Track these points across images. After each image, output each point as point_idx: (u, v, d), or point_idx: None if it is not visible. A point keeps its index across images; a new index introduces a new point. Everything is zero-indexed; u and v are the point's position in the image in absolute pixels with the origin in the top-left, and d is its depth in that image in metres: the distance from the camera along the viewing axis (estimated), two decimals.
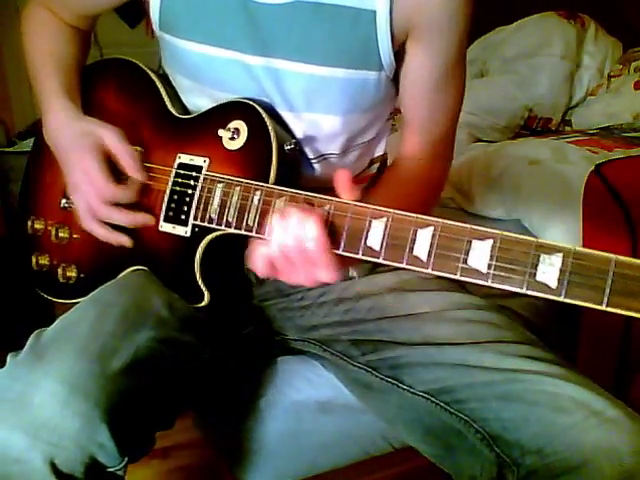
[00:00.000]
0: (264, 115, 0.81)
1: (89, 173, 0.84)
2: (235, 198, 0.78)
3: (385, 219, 0.67)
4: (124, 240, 0.87)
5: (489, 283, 0.62)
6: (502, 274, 0.62)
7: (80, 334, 0.75)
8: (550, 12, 2.20)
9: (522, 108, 2.01)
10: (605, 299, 0.56)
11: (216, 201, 0.80)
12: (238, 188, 0.78)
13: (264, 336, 0.99)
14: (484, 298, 0.89)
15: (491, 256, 0.62)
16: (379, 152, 1.00)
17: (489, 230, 0.63)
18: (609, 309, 0.56)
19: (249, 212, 0.76)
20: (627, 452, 0.66)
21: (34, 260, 0.97)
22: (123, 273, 0.88)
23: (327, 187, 0.71)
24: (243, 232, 0.77)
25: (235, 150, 0.83)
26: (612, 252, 0.57)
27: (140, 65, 0.96)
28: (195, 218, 0.82)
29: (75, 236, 0.94)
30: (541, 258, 0.60)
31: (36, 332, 0.78)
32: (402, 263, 0.66)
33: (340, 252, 0.69)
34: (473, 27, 0.84)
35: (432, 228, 0.65)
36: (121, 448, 0.71)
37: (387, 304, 0.90)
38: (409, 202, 0.80)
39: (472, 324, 0.84)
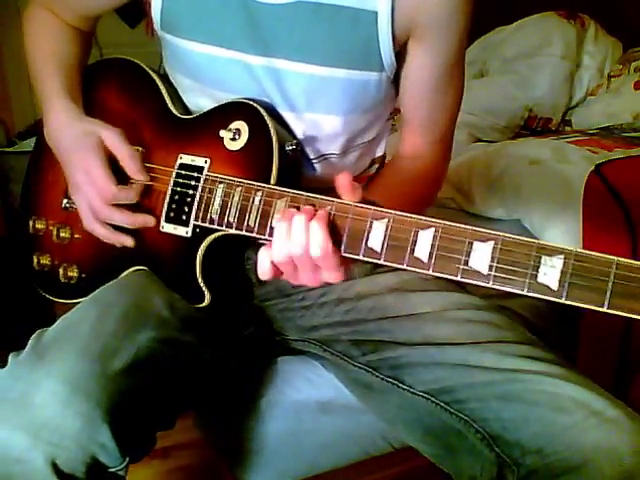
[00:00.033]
0: (265, 115, 0.81)
1: (90, 173, 0.84)
2: (236, 199, 0.78)
3: (386, 220, 0.67)
4: (126, 240, 0.87)
5: (490, 285, 0.62)
6: (503, 276, 0.62)
7: (81, 334, 0.75)
8: (550, 12, 2.20)
9: (522, 108, 2.01)
10: (606, 301, 0.56)
11: (217, 201, 0.80)
12: (239, 189, 0.78)
13: (265, 336, 0.99)
14: (484, 298, 0.89)
15: (492, 258, 0.62)
16: (379, 152, 1.01)
17: (490, 232, 0.63)
18: (610, 311, 0.56)
19: (250, 213, 0.76)
20: (627, 452, 0.66)
21: (35, 260, 0.97)
22: (124, 273, 0.89)
23: (328, 187, 0.71)
24: (244, 233, 0.77)
25: (236, 151, 0.83)
26: (612, 252, 0.57)
27: (141, 65, 0.96)
28: (196, 218, 0.82)
29: (76, 236, 0.94)
30: (542, 260, 0.60)
31: (37, 332, 0.78)
32: (403, 264, 0.66)
33: (341, 253, 0.69)
34: (473, 27, 0.84)
35: (433, 229, 0.65)
36: (122, 448, 0.71)
37: (388, 304, 0.90)
38: (407, 202, 0.80)
39: (472, 324, 0.84)
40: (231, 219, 0.78)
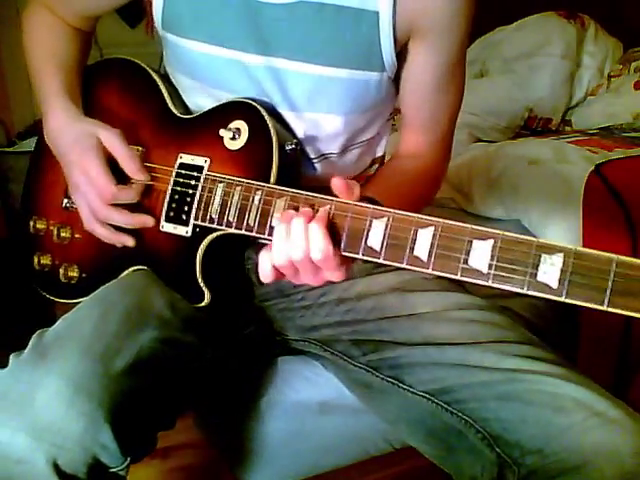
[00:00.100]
0: (265, 115, 0.82)
1: (89, 174, 0.84)
2: (236, 198, 0.78)
3: (386, 219, 0.67)
4: (126, 240, 0.87)
5: (490, 283, 0.62)
6: (503, 274, 0.62)
7: (83, 334, 0.75)
8: (550, 12, 2.20)
9: (522, 108, 2.01)
10: (606, 299, 0.56)
11: (217, 201, 0.80)
12: (239, 188, 0.78)
13: (265, 336, 0.99)
14: (485, 298, 0.89)
15: (492, 256, 0.62)
16: (379, 152, 1.01)
17: (490, 230, 0.63)
18: (610, 309, 0.56)
19: (250, 212, 0.76)
20: (628, 453, 0.66)
21: (36, 260, 0.97)
22: (124, 273, 0.89)
23: (328, 186, 0.71)
24: (244, 232, 0.77)
25: (236, 150, 0.83)
26: (612, 252, 0.57)
27: (141, 65, 0.97)
28: (196, 218, 0.82)
29: (77, 236, 0.94)
30: (542, 258, 0.60)
31: (38, 332, 0.78)
32: (402, 263, 0.66)
33: (341, 253, 0.69)
34: (473, 27, 0.84)
35: (433, 228, 0.65)
36: (123, 448, 0.71)
37: (388, 304, 0.90)
38: (407, 201, 0.80)
39: (473, 324, 0.84)
40: (231, 218, 0.78)
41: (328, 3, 0.79)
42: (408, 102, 0.91)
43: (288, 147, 0.81)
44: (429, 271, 0.65)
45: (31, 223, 0.98)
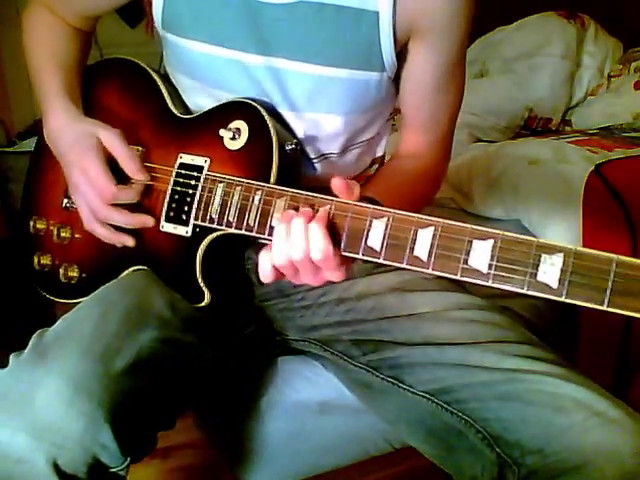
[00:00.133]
0: (265, 115, 0.82)
1: (89, 174, 0.84)
2: (236, 198, 0.78)
3: (386, 219, 0.67)
4: (126, 240, 0.87)
5: (490, 283, 0.62)
6: (503, 274, 0.62)
7: (83, 334, 0.75)
8: (550, 12, 2.20)
9: (522, 108, 2.01)
10: (606, 299, 0.56)
11: (217, 201, 0.80)
12: (239, 188, 0.78)
13: (265, 336, 0.99)
14: (485, 298, 0.89)
15: (492, 256, 0.62)
16: (379, 152, 1.01)
17: (490, 230, 0.63)
18: (610, 309, 0.56)
19: (250, 212, 0.76)
20: (628, 453, 0.66)
21: (36, 260, 0.97)
22: (124, 273, 0.89)
23: (328, 186, 0.71)
24: (244, 232, 0.77)
25: (236, 150, 0.83)
26: (612, 252, 0.57)
27: (142, 65, 0.97)
28: (196, 218, 0.82)
29: (77, 236, 0.94)
30: (542, 258, 0.60)
31: (38, 332, 0.78)
32: (402, 263, 0.66)
33: (341, 253, 0.69)
34: (473, 27, 0.84)
35: (433, 228, 0.65)
36: (123, 448, 0.71)
37: (388, 304, 0.90)
38: (407, 201, 0.80)
39: (473, 324, 0.84)
40: (231, 218, 0.78)
41: (328, 3, 0.79)
42: (408, 102, 0.91)
43: (288, 147, 0.81)
44: (429, 271, 0.65)
45: (31, 223, 0.98)
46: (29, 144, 1.84)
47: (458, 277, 0.64)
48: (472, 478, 0.77)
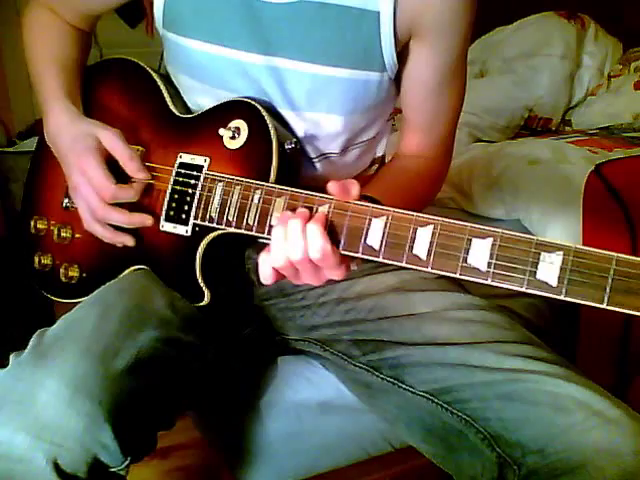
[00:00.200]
0: (265, 114, 0.82)
1: (87, 173, 0.84)
2: (235, 197, 0.78)
3: (385, 218, 0.67)
4: (126, 240, 0.87)
5: (489, 282, 0.62)
6: (502, 272, 0.61)
7: (83, 334, 0.75)
8: (550, 12, 2.20)
9: (522, 108, 2.01)
10: (606, 297, 0.56)
11: (216, 200, 0.80)
12: (238, 187, 0.78)
13: (265, 336, 0.99)
14: (485, 298, 0.89)
15: (491, 254, 0.62)
16: (380, 152, 1.01)
17: (489, 228, 0.63)
18: (610, 307, 0.56)
19: (249, 211, 0.76)
20: (628, 453, 0.66)
21: (36, 260, 0.97)
22: (124, 273, 0.89)
23: None
24: (243, 231, 0.77)
25: (235, 149, 0.83)
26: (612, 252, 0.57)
27: (142, 65, 0.97)
28: (196, 217, 0.82)
29: (77, 236, 0.94)
30: (541, 256, 0.60)
31: (38, 332, 0.78)
32: (402, 262, 0.66)
33: (340, 251, 0.69)
34: (473, 27, 0.84)
35: (432, 227, 0.65)
36: (123, 448, 0.71)
37: (388, 304, 0.90)
38: (407, 201, 0.80)
39: (473, 324, 0.84)
40: (230, 218, 0.78)
41: (329, 3, 0.79)
42: (409, 102, 0.91)
43: (287, 146, 0.81)
44: (428, 270, 0.65)
45: (32, 223, 0.98)
46: (29, 144, 1.84)
47: (457, 275, 0.64)
48: (472, 478, 0.77)
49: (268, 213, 0.74)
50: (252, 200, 0.76)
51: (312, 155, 0.91)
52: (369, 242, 0.68)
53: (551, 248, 0.59)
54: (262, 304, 0.99)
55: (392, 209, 0.67)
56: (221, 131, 0.83)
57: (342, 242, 0.69)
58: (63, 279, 0.94)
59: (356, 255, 0.69)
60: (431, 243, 0.65)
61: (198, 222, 0.82)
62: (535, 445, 0.71)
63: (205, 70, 0.87)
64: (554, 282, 0.59)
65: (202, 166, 0.84)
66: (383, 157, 1.02)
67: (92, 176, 0.83)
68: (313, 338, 0.95)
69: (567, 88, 2.07)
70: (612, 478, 0.66)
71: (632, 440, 0.67)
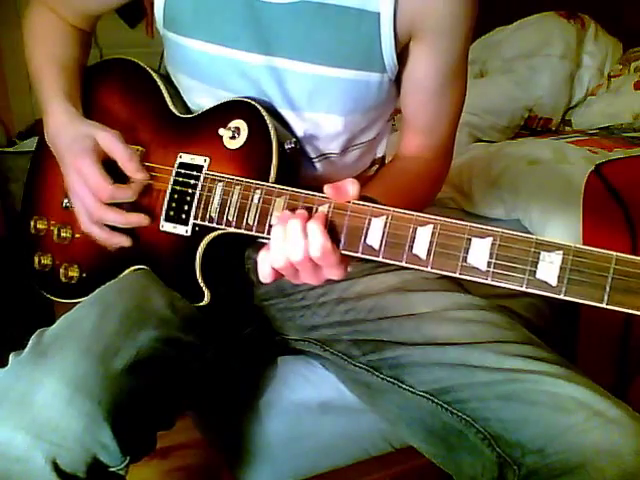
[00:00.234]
0: (264, 114, 0.82)
1: (83, 174, 0.84)
2: (235, 197, 0.78)
3: (385, 217, 0.67)
4: (123, 241, 0.86)
5: (489, 281, 0.62)
6: (502, 272, 0.61)
7: (83, 333, 0.75)
8: (550, 12, 2.20)
9: (522, 108, 2.01)
10: (606, 297, 0.56)
11: (216, 200, 0.80)
12: (238, 187, 0.78)
13: (264, 336, 0.99)
14: (485, 298, 0.89)
15: (491, 254, 0.62)
16: (380, 153, 1.01)
17: (489, 228, 0.63)
18: (610, 307, 0.56)
19: (249, 211, 0.76)
20: (629, 453, 0.66)
21: (36, 260, 0.97)
22: (124, 272, 0.89)
23: None
24: (243, 231, 0.77)
25: (235, 149, 0.83)
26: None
27: (142, 65, 0.97)
28: (196, 217, 0.82)
29: (77, 236, 0.94)
30: (541, 256, 0.60)
31: (38, 331, 0.78)
32: (402, 261, 0.66)
33: (340, 251, 0.69)
34: (474, 28, 0.84)
35: (432, 226, 0.65)
36: (123, 448, 0.71)
37: (388, 304, 0.90)
38: (407, 202, 0.80)
39: (473, 324, 0.84)
40: (230, 217, 0.78)
41: (329, 3, 0.79)
42: (409, 104, 0.91)
43: (287, 146, 0.81)
44: (428, 269, 0.65)
45: (32, 223, 0.98)
46: (29, 144, 1.84)
47: (457, 275, 0.64)
48: (472, 478, 0.77)
49: (268, 213, 0.74)
50: (252, 200, 0.76)
51: (312, 155, 0.91)
52: (369, 242, 0.68)
53: (551, 247, 0.59)
54: (262, 304, 0.99)
55: (392, 209, 0.67)
56: (221, 131, 0.83)
57: (342, 242, 0.69)
58: (63, 279, 0.94)
59: (356, 255, 0.69)
60: (431, 243, 0.65)
61: (198, 222, 0.82)
62: (535, 445, 0.71)
63: (205, 70, 0.87)
64: (554, 281, 0.59)
65: (202, 166, 0.84)
66: (383, 158, 1.02)
67: (88, 177, 0.83)
68: (313, 338, 0.95)
69: (567, 88, 2.07)
70: (612, 478, 0.66)
71: (633, 440, 0.67)
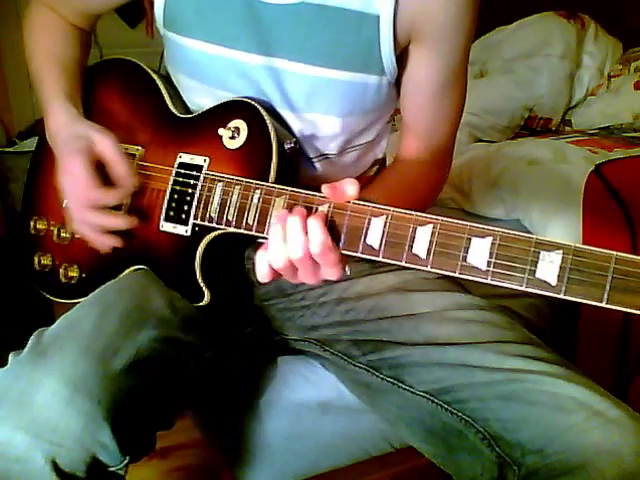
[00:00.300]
0: (264, 114, 0.82)
1: (74, 175, 0.83)
2: (235, 197, 0.78)
3: (384, 217, 0.67)
4: (113, 243, 0.86)
5: (489, 280, 0.62)
6: (502, 271, 0.61)
7: (83, 333, 0.75)
8: (550, 12, 2.20)
9: (522, 108, 2.01)
10: (605, 296, 0.56)
11: (216, 200, 0.80)
12: (238, 187, 0.78)
13: (264, 336, 0.99)
14: (485, 298, 0.89)
15: (490, 253, 0.62)
16: (379, 154, 1.00)
17: (489, 227, 0.63)
18: (609, 306, 0.56)
19: (249, 211, 0.76)
20: (629, 453, 0.66)
21: (36, 260, 0.97)
22: (124, 273, 0.89)
23: None
24: (243, 231, 0.77)
25: (235, 149, 0.83)
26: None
27: (141, 65, 0.97)
28: (195, 217, 0.82)
29: (77, 236, 0.94)
30: (541, 255, 0.60)
31: (38, 331, 0.78)
32: (401, 261, 0.66)
33: (339, 250, 0.69)
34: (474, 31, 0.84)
35: (431, 226, 0.65)
36: (122, 447, 0.71)
37: (388, 304, 0.90)
38: (407, 204, 0.80)
39: (473, 324, 0.84)
40: (230, 217, 0.78)
41: (329, 5, 0.79)
42: (409, 106, 0.90)
43: (287, 146, 0.81)
44: (428, 269, 0.65)
45: (32, 223, 0.98)
46: (29, 144, 1.84)
47: (457, 274, 0.64)
48: (472, 478, 0.77)
49: (268, 213, 0.74)
50: (252, 200, 0.76)
51: (311, 155, 0.91)
52: (369, 241, 0.68)
53: (550, 247, 0.60)
54: (262, 304, 0.99)
55: (392, 208, 0.67)
56: (221, 131, 0.83)
57: (342, 241, 0.69)
58: (63, 279, 0.94)
59: (356, 254, 0.69)
60: (431, 242, 0.65)
61: (198, 222, 0.82)
62: (535, 445, 0.71)
63: (204, 70, 0.87)
64: (554, 281, 0.59)
65: (202, 166, 0.84)
66: (384, 159, 1.02)
67: (77, 177, 0.83)
68: (313, 338, 0.95)
69: (567, 88, 2.07)
70: (612, 478, 0.66)
71: (632, 440, 0.67)
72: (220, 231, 0.81)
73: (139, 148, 0.90)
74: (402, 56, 0.84)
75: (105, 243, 0.86)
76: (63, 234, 0.95)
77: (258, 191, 0.76)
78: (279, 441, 0.98)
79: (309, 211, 0.70)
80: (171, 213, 0.85)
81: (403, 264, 0.66)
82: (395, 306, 0.89)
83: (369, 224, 0.68)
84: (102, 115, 0.92)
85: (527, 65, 2.08)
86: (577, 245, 0.58)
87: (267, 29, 0.81)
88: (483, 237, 0.63)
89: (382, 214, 0.67)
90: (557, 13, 2.18)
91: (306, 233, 0.68)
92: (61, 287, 0.95)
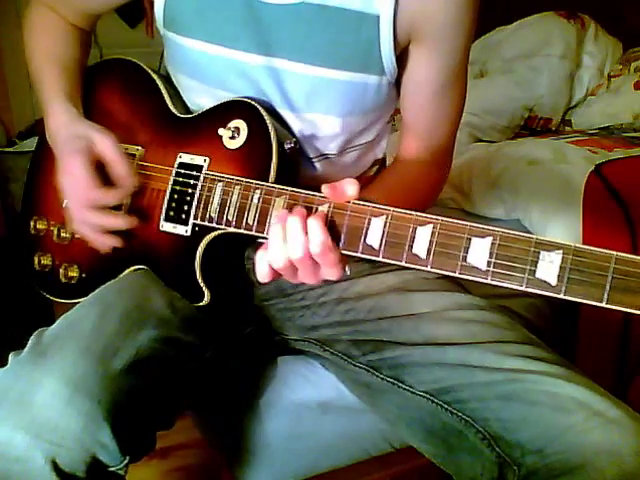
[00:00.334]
0: (264, 114, 0.82)
1: (74, 175, 0.83)
2: (235, 197, 0.78)
3: (384, 217, 0.67)
4: (113, 243, 0.86)
5: (489, 280, 0.62)
6: (502, 271, 0.62)
7: (83, 333, 0.75)
8: (550, 12, 2.20)
9: (522, 108, 2.01)
10: (605, 296, 0.56)
11: (216, 200, 0.80)
12: (238, 187, 0.78)
13: (264, 336, 0.99)
14: (485, 298, 0.89)
15: (490, 253, 0.62)
16: (379, 154, 1.00)
17: (489, 227, 0.63)
18: (609, 306, 0.56)
19: (249, 211, 0.76)
20: (628, 453, 0.66)
21: (36, 260, 0.97)
22: (124, 273, 0.89)
23: None
24: (243, 231, 0.77)
25: (235, 149, 0.83)
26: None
27: (141, 65, 0.97)
28: (195, 217, 0.82)
29: (77, 236, 0.94)
30: (541, 255, 0.60)
31: (38, 331, 0.78)
32: (401, 261, 0.66)
33: (339, 250, 0.69)
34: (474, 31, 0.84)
35: (431, 226, 0.65)
36: (122, 447, 0.71)
37: (388, 304, 0.90)
38: (407, 204, 0.80)
39: (473, 324, 0.84)
40: (230, 217, 0.78)
41: (329, 5, 0.79)
42: (409, 107, 0.90)
43: (287, 145, 0.81)
44: (428, 269, 0.65)
45: (32, 223, 0.98)
46: (29, 144, 1.85)
47: (457, 274, 0.64)
48: (472, 478, 0.77)
49: (268, 213, 0.74)
50: (252, 200, 0.76)
51: (311, 155, 0.91)
52: (369, 241, 0.68)
53: (550, 247, 0.60)
54: (262, 304, 0.99)
55: (392, 208, 0.67)
56: (221, 131, 0.83)
57: (342, 241, 0.69)
58: (63, 279, 0.94)
59: (356, 254, 0.69)
60: (431, 242, 0.65)
61: (198, 222, 0.82)
62: (535, 445, 0.71)
63: (204, 70, 0.87)
64: (553, 281, 0.59)
65: (202, 166, 0.84)
66: (384, 159, 1.02)
67: (78, 177, 0.83)
68: (313, 338, 0.95)
69: (567, 88, 2.07)
70: (612, 478, 0.66)
71: (632, 440, 0.67)
72: (220, 231, 0.81)
73: (139, 148, 0.90)
74: (402, 56, 0.84)
75: (105, 243, 0.86)
76: (63, 234, 0.95)
77: (258, 191, 0.76)
78: (279, 441, 0.98)
79: (309, 211, 0.70)
80: (171, 213, 0.85)
81: (403, 264, 0.66)
82: (395, 306, 0.89)
83: (369, 224, 0.68)
84: (102, 115, 0.92)
85: (527, 65, 2.08)
86: (577, 245, 0.58)
87: (267, 29, 0.81)
88: (483, 237, 0.63)
89: (382, 214, 0.67)
90: (557, 13, 2.18)
91: (306, 233, 0.68)
92: (61, 287, 0.95)
